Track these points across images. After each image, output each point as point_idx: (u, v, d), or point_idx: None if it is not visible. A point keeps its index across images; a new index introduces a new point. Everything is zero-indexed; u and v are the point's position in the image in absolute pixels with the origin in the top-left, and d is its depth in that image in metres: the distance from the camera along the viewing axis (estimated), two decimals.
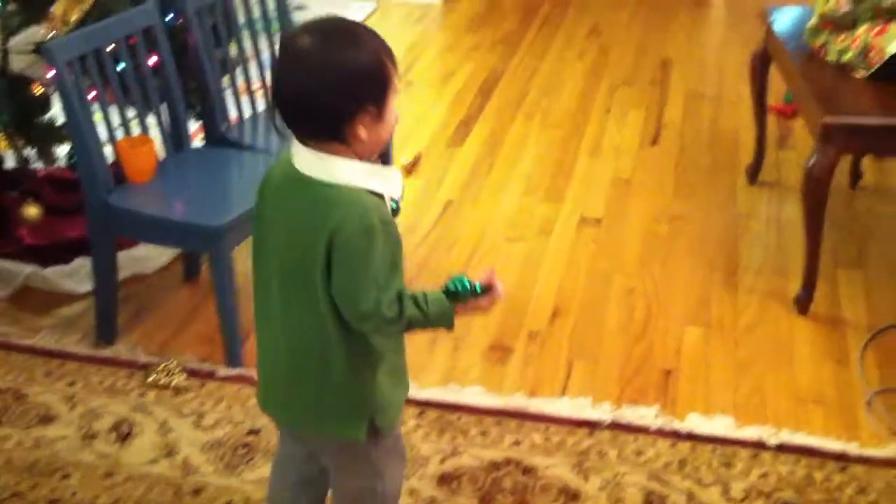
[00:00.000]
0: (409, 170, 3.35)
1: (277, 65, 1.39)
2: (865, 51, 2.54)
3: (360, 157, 1.41)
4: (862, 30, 2.56)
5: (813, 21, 2.69)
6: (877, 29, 2.54)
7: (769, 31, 2.97)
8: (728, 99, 3.80)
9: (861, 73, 2.56)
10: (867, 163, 3.24)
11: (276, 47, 1.54)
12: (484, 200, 3.20)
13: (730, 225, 3.03)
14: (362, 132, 1.38)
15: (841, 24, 2.61)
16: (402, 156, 3.34)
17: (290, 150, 1.44)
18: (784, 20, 2.94)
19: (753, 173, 3.23)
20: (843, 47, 2.60)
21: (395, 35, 4.46)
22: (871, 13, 2.56)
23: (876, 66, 2.52)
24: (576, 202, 3.17)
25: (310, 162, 1.41)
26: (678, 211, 3.12)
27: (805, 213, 2.56)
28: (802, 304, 2.60)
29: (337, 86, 1.35)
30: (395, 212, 1.46)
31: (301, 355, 1.49)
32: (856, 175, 3.19)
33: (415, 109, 3.77)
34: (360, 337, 1.46)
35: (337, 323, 1.44)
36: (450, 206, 3.15)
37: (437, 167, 3.39)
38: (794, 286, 2.64)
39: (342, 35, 1.37)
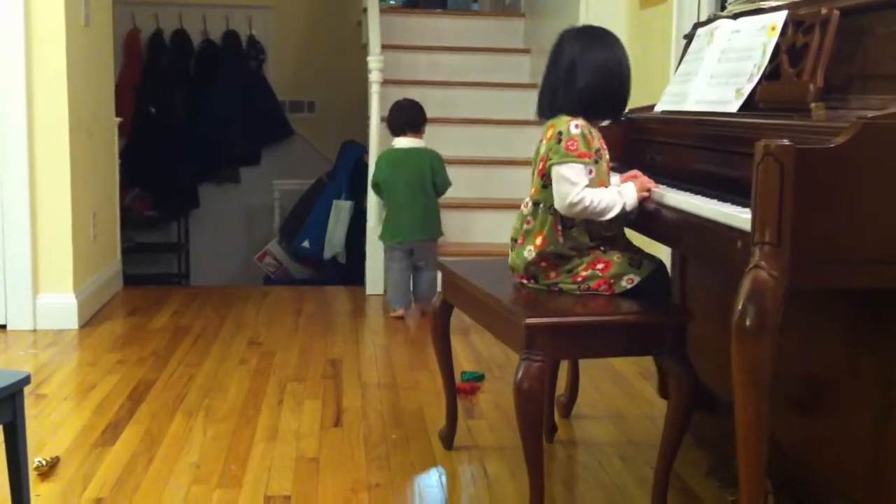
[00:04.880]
0: (46, 473, 2.70)
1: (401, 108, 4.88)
2: (590, 282, 2.50)
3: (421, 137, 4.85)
4: (584, 264, 2.51)
5: (530, 257, 2.54)
6: (599, 265, 2.51)
7: (446, 280, 2.89)
8: (405, 385, 3.62)
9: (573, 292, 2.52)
10: (558, 420, 3.13)
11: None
12: (144, 494, 2.62)
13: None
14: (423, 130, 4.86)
15: (563, 255, 2.52)
16: (37, 457, 2.71)
17: (393, 145, 4.78)
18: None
19: (449, 439, 2.98)
20: (560, 280, 2.53)
21: (22, 359, 3.88)
22: (585, 246, 2.52)
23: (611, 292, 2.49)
24: (257, 483, 2.69)
25: (413, 142, 4.76)
26: (376, 480, 2.75)
27: (522, 435, 2.33)
28: None
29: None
30: None
31: (427, 206, 4.72)
32: (551, 429, 3.05)
33: (50, 419, 3.16)
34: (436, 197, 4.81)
35: (435, 192, 4.76)
36: None
37: (81, 468, 2.77)
38: None
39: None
